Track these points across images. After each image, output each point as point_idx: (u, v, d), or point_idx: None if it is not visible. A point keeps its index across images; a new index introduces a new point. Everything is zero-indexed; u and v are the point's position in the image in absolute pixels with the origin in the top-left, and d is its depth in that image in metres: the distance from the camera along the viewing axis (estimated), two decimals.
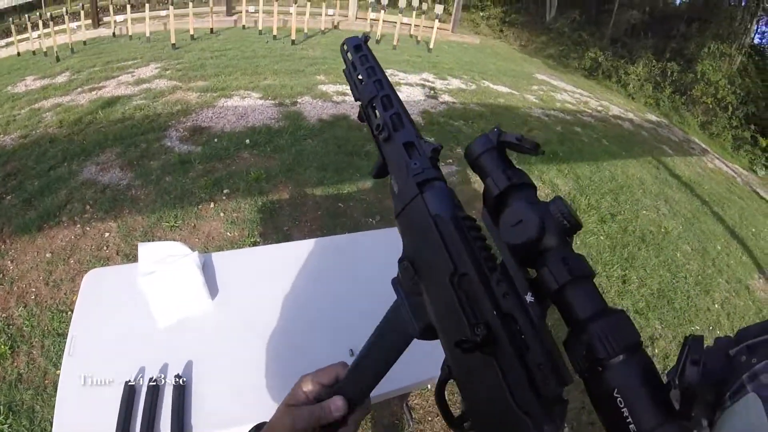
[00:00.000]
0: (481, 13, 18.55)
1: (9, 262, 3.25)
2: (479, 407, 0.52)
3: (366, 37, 0.76)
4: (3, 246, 3.37)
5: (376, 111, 0.68)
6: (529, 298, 0.47)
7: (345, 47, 0.76)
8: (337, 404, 0.67)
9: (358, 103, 0.72)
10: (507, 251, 0.48)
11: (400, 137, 0.64)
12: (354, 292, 1.68)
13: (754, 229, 6.61)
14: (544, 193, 4.87)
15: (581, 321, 0.43)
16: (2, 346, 2.68)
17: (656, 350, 3.57)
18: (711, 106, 14.29)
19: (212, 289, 1.66)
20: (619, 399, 0.39)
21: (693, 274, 4.69)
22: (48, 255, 3.31)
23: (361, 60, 0.73)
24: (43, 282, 3.12)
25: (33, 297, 3.02)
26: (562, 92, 10.35)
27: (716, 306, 4.34)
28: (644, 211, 5.52)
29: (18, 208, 3.74)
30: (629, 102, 13.23)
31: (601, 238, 4.70)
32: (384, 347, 0.66)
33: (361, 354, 0.69)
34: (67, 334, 1.47)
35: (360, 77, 0.72)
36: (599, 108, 10.00)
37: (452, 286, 0.53)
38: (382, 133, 0.65)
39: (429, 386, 2.67)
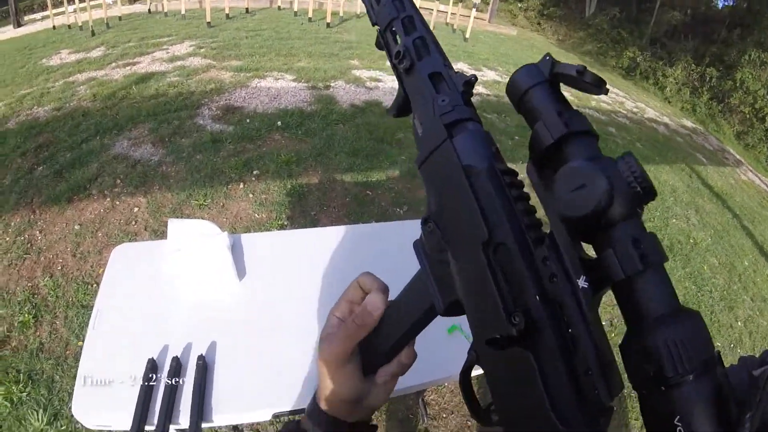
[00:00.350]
0: (519, 4, 18.39)
1: (38, 232, 3.29)
2: (510, 407, 0.43)
3: None
4: (32, 216, 3.41)
5: (397, 36, 0.57)
6: (582, 282, 0.37)
7: None
8: (372, 301, 0.56)
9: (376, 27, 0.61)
10: (559, 221, 0.38)
11: (425, 67, 0.53)
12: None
13: None
14: None
15: (648, 323, 0.35)
16: (26, 315, 2.71)
17: None
18: (748, 116, 14.00)
19: (240, 270, 1.65)
20: (679, 429, 0.32)
21: (718, 288, 4.55)
22: (76, 227, 3.34)
23: None
24: (71, 253, 3.14)
25: (59, 268, 3.05)
26: None
27: (739, 323, 4.21)
28: (674, 220, 5.39)
29: (49, 179, 3.79)
30: (665, 106, 12.97)
31: None
32: (405, 317, 0.55)
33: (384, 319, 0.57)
34: (91, 306, 1.47)
35: None
36: (635, 110, 9.81)
37: (486, 259, 0.42)
38: (403, 62, 0.54)
39: (446, 384, 2.64)
